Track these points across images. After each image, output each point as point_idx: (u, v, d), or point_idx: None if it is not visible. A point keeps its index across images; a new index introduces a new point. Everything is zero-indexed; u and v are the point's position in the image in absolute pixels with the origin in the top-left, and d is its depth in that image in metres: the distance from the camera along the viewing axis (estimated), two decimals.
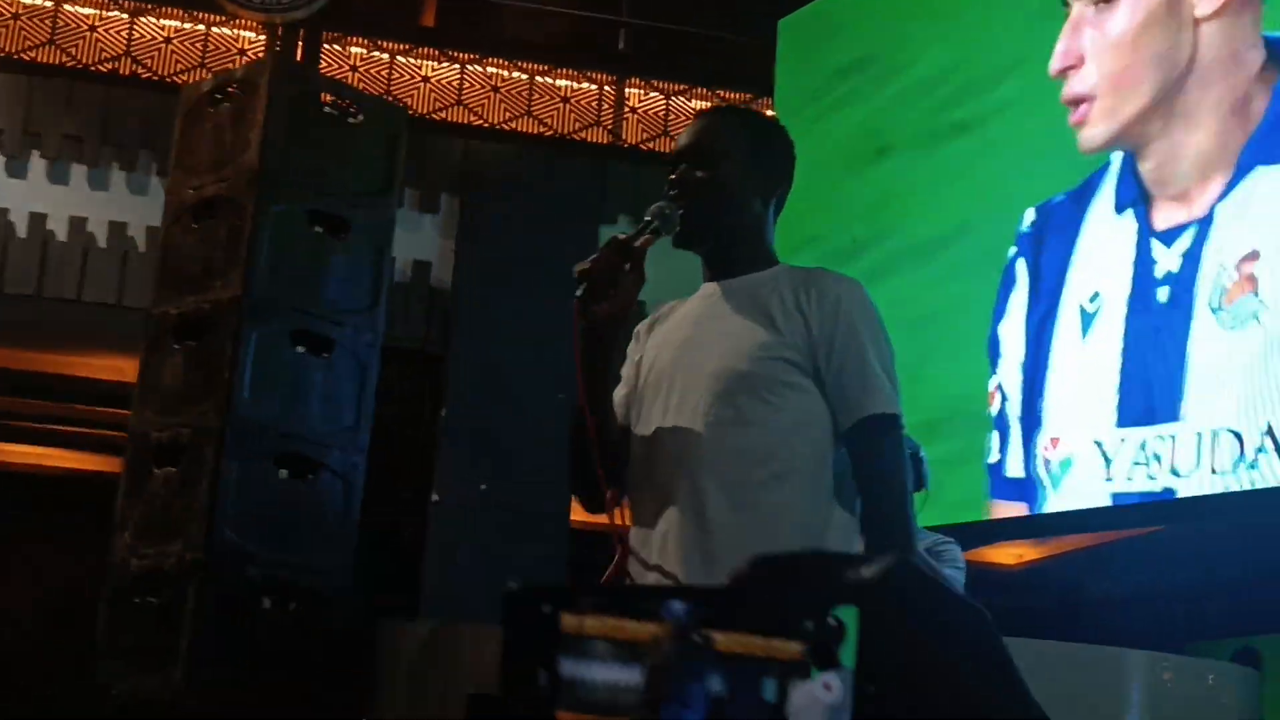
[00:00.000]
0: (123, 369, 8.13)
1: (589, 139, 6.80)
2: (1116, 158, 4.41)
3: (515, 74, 6.73)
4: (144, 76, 6.23)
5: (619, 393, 2.45)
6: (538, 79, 6.77)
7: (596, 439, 2.32)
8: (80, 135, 6.06)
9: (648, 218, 2.28)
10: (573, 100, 6.82)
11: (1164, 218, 4.17)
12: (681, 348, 2.35)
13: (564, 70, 6.81)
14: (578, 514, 5.73)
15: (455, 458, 6.19)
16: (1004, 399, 4.60)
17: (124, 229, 6.19)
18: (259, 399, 3.93)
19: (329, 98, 4.25)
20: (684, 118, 6.81)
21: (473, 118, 6.62)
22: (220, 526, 3.80)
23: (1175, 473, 3.88)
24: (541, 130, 6.70)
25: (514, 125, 6.68)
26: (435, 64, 6.64)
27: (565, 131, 6.74)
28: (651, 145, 6.83)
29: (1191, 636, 5.72)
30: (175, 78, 6.13)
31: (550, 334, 6.25)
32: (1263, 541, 4.62)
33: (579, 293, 2.25)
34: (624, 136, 6.87)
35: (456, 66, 6.65)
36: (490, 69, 6.71)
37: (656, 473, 2.30)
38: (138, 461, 4.02)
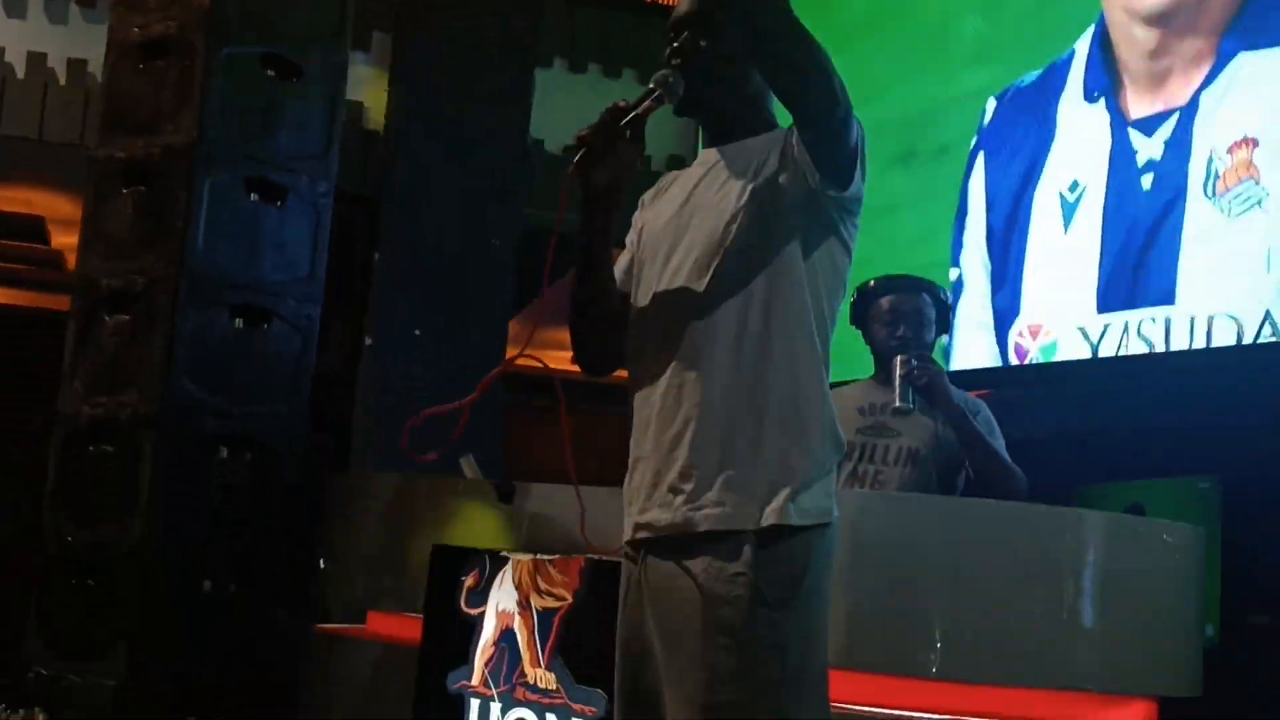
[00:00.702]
0: (31, 202, 7.94)
1: None
2: (1082, 46, 4.42)
3: None
4: None
5: (622, 260, 2.47)
6: None
7: (589, 305, 2.35)
8: None
9: (651, 85, 2.28)
10: None
11: (1139, 106, 4.21)
12: (677, 214, 2.37)
13: None
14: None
15: (388, 302, 6.16)
16: (961, 289, 4.68)
17: (44, 60, 6.00)
18: (213, 248, 3.86)
19: None
20: None
21: None
22: (177, 376, 3.75)
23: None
24: None
25: None
26: None
27: None
28: None
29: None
30: None
31: (483, 178, 6.22)
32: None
33: (576, 158, 2.25)
34: None
35: None
36: None
37: (652, 336, 2.33)
38: (86, 309, 3.94)
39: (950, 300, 3.69)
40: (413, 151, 6.29)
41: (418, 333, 6.09)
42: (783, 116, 2.41)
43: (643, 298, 2.37)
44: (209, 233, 3.83)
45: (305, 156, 4.07)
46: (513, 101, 6.24)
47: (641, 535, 2.29)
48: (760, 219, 2.25)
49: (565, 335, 2.44)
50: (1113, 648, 3.00)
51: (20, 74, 6.07)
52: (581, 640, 3.31)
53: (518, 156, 6.29)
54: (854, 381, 3.63)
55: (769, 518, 2.17)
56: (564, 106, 6.54)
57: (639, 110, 2.25)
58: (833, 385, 2.33)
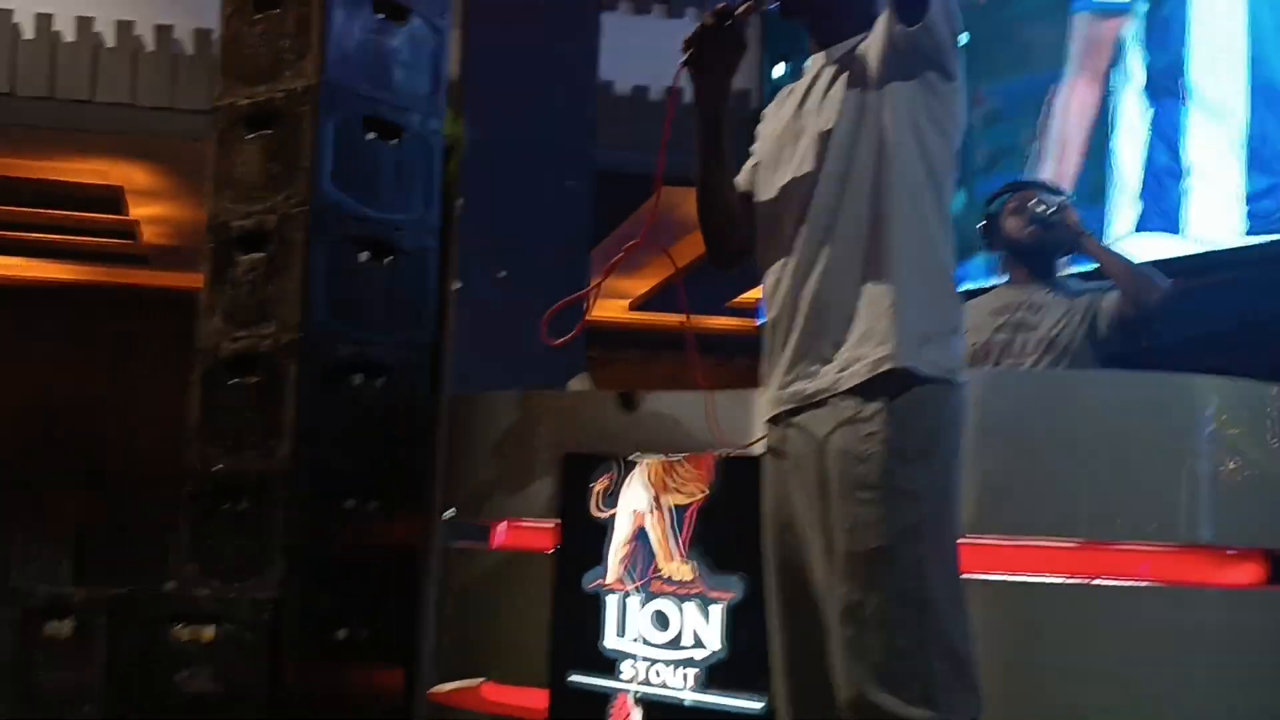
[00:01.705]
0: (106, 172, 8.14)
1: None
2: None
3: None
4: None
5: (748, 164, 2.66)
6: None
7: (713, 205, 2.55)
8: None
9: None
10: None
11: None
12: (793, 118, 2.53)
13: None
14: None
15: (472, 245, 6.34)
16: None
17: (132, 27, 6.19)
18: (338, 185, 4.06)
19: None
20: None
21: None
22: (314, 307, 3.96)
23: None
24: None
25: None
26: None
27: None
28: None
29: None
30: None
31: (554, 121, 6.38)
32: None
33: (683, 59, 2.42)
34: None
35: None
36: None
37: (776, 226, 2.49)
38: (220, 250, 4.15)
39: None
40: (485, 97, 6.45)
41: (503, 274, 6.27)
42: None
43: (765, 194, 2.55)
44: (334, 171, 4.03)
45: (417, 95, 4.27)
46: (581, 43, 6.40)
47: (784, 408, 2.48)
48: (863, 94, 2.39)
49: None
50: (1228, 504, 3.19)
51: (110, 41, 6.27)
52: (716, 531, 3.51)
53: (588, 98, 6.46)
54: (988, 290, 3.81)
55: (899, 360, 2.31)
56: (631, 48, 6.69)
57: (740, 10, 2.39)
58: (965, 295, 2.48)
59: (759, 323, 6.99)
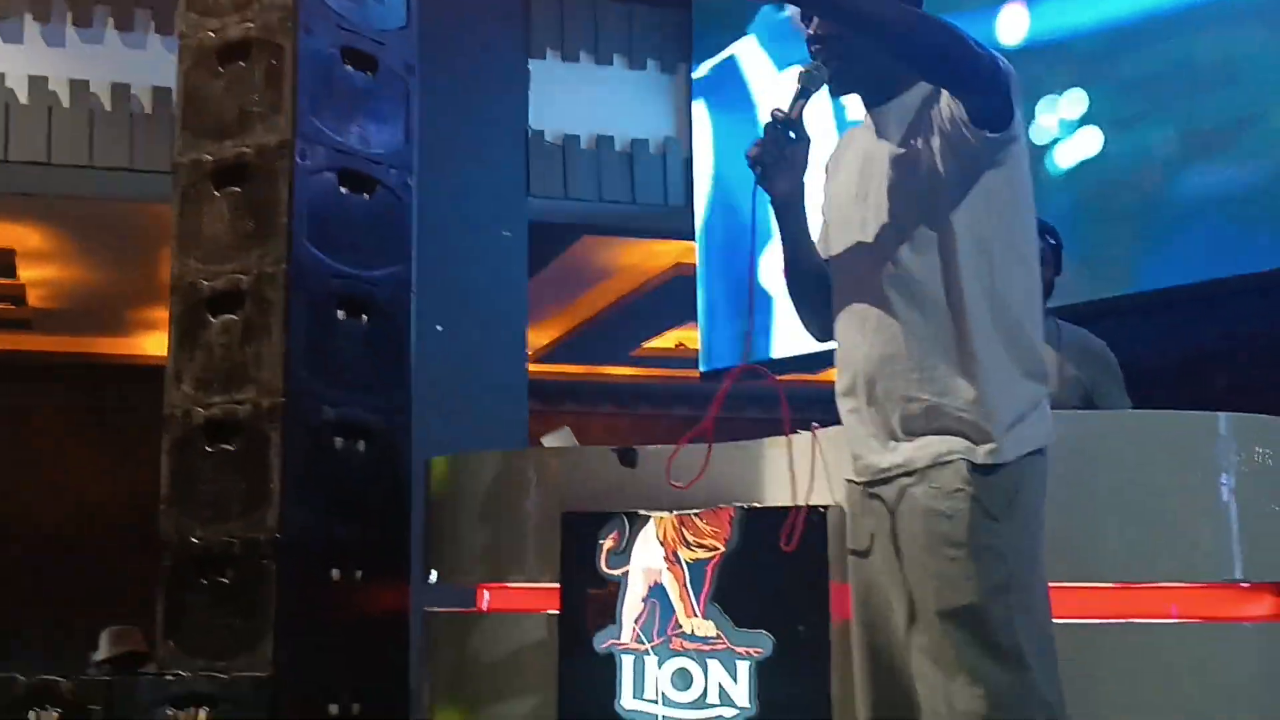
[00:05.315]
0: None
1: None
2: None
3: None
4: None
5: (820, 231, 2.65)
6: None
7: (809, 282, 2.59)
8: None
9: (798, 84, 2.45)
10: None
11: None
12: (860, 177, 2.54)
13: None
14: None
15: None
16: None
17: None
18: (313, 242, 3.91)
19: None
20: None
21: None
22: (296, 369, 3.81)
23: None
24: None
25: None
26: None
27: None
28: None
29: None
30: None
31: (487, 171, 6.30)
32: None
33: (757, 178, 2.43)
34: None
35: None
36: None
37: (851, 292, 2.51)
38: (189, 312, 3.98)
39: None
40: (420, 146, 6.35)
41: (439, 328, 6.16)
42: None
43: (837, 258, 2.55)
44: (310, 227, 3.89)
45: (390, 147, 4.15)
46: (510, 93, 6.35)
47: (865, 478, 2.47)
48: (932, 170, 2.41)
49: None
50: (1256, 540, 3.22)
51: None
52: (739, 586, 3.45)
53: (520, 146, 6.41)
54: None
55: (985, 456, 2.33)
56: (559, 96, 6.65)
57: (793, 114, 2.43)
58: None
59: (700, 371, 6.99)
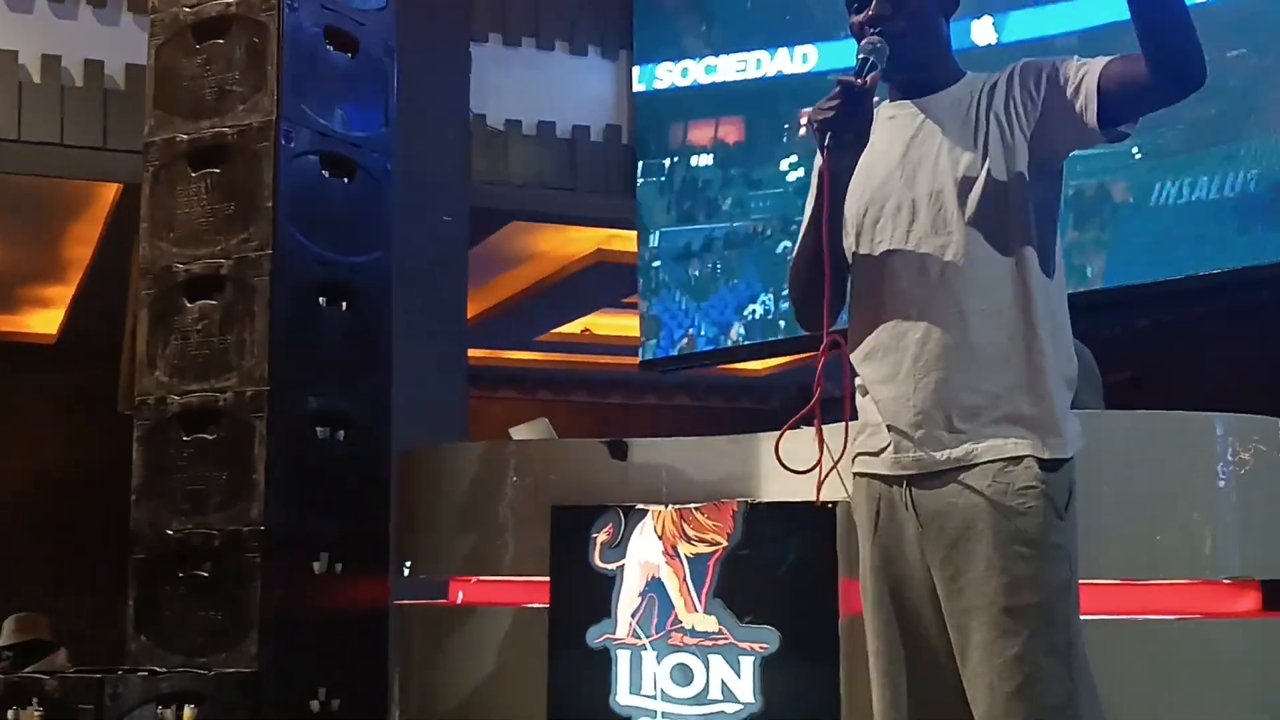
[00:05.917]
0: None
1: None
2: None
3: None
4: None
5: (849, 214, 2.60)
6: None
7: (830, 276, 2.42)
8: None
9: (863, 55, 2.41)
10: None
11: None
12: (900, 166, 2.49)
13: None
14: None
15: None
16: None
17: None
18: (295, 227, 3.81)
19: None
20: None
21: None
22: (280, 357, 3.71)
23: None
24: None
25: None
26: None
27: None
28: None
29: None
30: None
31: (429, 155, 6.20)
32: None
33: (827, 143, 2.36)
34: None
35: None
36: None
37: (895, 285, 2.44)
38: (163, 297, 3.85)
39: None
40: None
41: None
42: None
43: (878, 249, 2.50)
44: (293, 211, 3.79)
45: (370, 130, 4.05)
46: (453, 76, 6.25)
47: (907, 472, 2.43)
48: (1003, 165, 2.38)
49: None
50: (1244, 537, 3.30)
51: None
52: (742, 581, 3.43)
53: (462, 131, 6.32)
54: None
55: (1055, 450, 2.34)
56: (502, 81, 6.57)
57: (865, 82, 2.36)
58: None
59: (640, 360, 6.95)
